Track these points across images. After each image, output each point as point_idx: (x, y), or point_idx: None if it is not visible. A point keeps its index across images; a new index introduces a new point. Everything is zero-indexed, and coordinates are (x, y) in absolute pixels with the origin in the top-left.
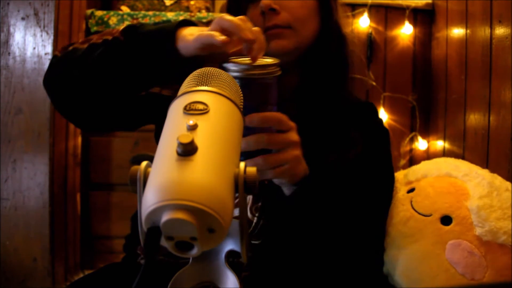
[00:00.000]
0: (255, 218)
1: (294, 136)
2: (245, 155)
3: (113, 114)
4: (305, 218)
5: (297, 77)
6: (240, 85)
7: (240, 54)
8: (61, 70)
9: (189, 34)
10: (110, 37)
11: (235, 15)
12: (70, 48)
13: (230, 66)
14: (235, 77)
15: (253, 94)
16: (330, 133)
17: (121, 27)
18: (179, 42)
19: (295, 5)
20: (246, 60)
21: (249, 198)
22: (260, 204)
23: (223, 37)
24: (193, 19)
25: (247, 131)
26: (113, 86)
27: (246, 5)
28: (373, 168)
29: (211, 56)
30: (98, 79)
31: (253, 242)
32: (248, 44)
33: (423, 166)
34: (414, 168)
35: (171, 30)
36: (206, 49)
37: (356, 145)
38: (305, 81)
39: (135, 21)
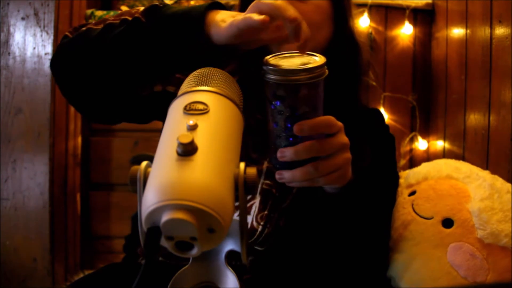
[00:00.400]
0: (260, 227)
1: (343, 138)
2: (293, 164)
3: (124, 104)
4: (335, 220)
5: None
6: (284, 91)
7: (280, 43)
8: (73, 51)
9: (221, 20)
10: (129, 18)
11: None
12: (84, 28)
13: (271, 69)
14: (278, 82)
15: (301, 100)
16: None
17: (141, 7)
18: (211, 28)
19: (308, 10)
20: (287, 56)
21: (255, 206)
22: (266, 212)
23: (261, 17)
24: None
25: (294, 139)
26: (130, 72)
27: None
28: (380, 174)
29: (246, 44)
30: (115, 63)
31: (256, 247)
32: (293, 27)
33: (423, 168)
34: (415, 170)
35: (199, 13)
36: (243, 36)
37: (365, 158)
38: None
39: None
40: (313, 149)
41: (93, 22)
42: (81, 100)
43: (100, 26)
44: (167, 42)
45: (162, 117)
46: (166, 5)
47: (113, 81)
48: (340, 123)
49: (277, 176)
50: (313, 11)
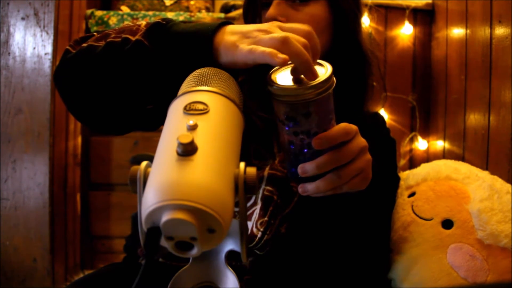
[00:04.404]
0: (260, 233)
1: (361, 141)
2: (315, 176)
3: (130, 118)
4: (337, 222)
5: None
6: (295, 111)
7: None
8: (76, 69)
9: (232, 44)
10: (131, 38)
11: (252, 20)
12: (85, 44)
13: (278, 89)
14: (286, 102)
15: (313, 116)
16: None
17: (143, 22)
18: (220, 51)
19: (303, 19)
20: (286, 68)
21: (256, 212)
22: (266, 219)
23: (283, 57)
24: (193, 19)
25: (313, 154)
26: (134, 91)
27: (261, 10)
28: (381, 177)
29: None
30: (117, 84)
31: (256, 251)
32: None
33: (423, 170)
34: (414, 171)
35: (207, 37)
36: (253, 64)
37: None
38: None
39: (135, 21)
40: (334, 160)
41: (95, 36)
42: (85, 114)
43: (102, 44)
44: (173, 66)
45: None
46: (169, 22)
47: (118, 99)
48: (355, 127)
49: (300, 190)
50: (308, 20)
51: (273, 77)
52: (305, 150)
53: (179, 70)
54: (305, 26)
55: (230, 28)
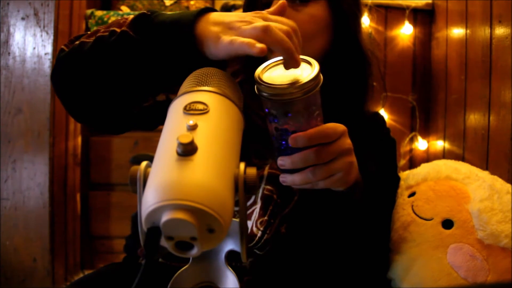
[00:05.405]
0: (260, 232)
1: (344, 143)
2: (294, 169)
3: (127, 116)
4: (337, 222)
5: None
6: (277, 108)
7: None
8: (68, 67)
9: (215, 35)
10: (118, 29)
11: None
12: (77, 42)
13: (263, 86)
14: (272, 99)
15: (295, 115)
16: None
17: (131, 16)
18: (205, 44)
19: (303, 19)
20: (279, 63)
21: (256, 212)
22: (266, 218)
23: (260, 46)
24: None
25: (293, 150)
26: (126, 85)
27: (261, 10)
28: (381, 177)
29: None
30: (109, 78)
31: (255, 251)
32: (289, 61)
33: (423, 170)
34: (414, 171)
35: (188, 24)
36: (239, 55)
37: (370, 164)
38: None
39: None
40: (308, 159)
41: (88, 33)
42: (81, 112)
43: (92, 39)
44: (158, 56)
45: None
46: (154, 12)
47: (110, 94)
48: (342, 128)
49: (281, 179)
50: (308, 21)
51: (260, 72)
52: (284, 145)
53: (164, 59)
54: (291, 21)
55: (213, 17)
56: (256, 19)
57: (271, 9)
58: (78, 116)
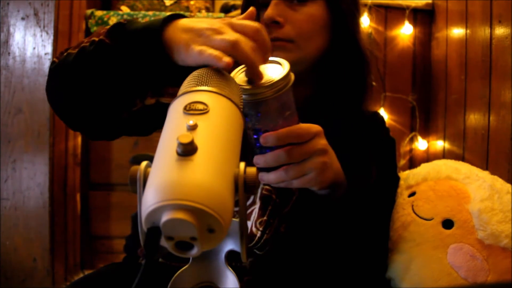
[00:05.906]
0: (259, 232)
1: (318, 143)
2: (268, 168)
3: (117, 121)
4: (336, 223)
5: (309, 87)
6: (248, 108)
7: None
8: (57, 78)
9: (184, 42)
10: (97, 39)
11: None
12: (65, 53)
13: None
14: (245, 100)
15: (264, 116)
16: (340, 145)
17: (110, 26)
18: (174, 51)
19: (301, 19)
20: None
21: (255, 212)
22: (265, 218)
23: (227, 60)
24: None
25: (267, 148)
26: (107, 91)
27: (259, 10)
28: (380, 177)
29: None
30: (92, 86)
31: (255, 251)
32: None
33: (423, 169)
34: (414, 171)
35: (156, 31)
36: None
37: (369, 164)
38: (317, 92)
39: None
40: (280, 158)
41: (76, 43)
42: (75, 121)
43: (76, 50)
44: (131, 61)
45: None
46: (130, 21)
47: (96, 101)
48: (316, 128)
49: (259, 177)
50: (305, 21)
51: (234, 74)
52: (259, 145)
53: (136, 64)
54: (255, 23)
55: (182, 23)
56: (225, 28)
57: (241, 16)
58: (72, 125)
